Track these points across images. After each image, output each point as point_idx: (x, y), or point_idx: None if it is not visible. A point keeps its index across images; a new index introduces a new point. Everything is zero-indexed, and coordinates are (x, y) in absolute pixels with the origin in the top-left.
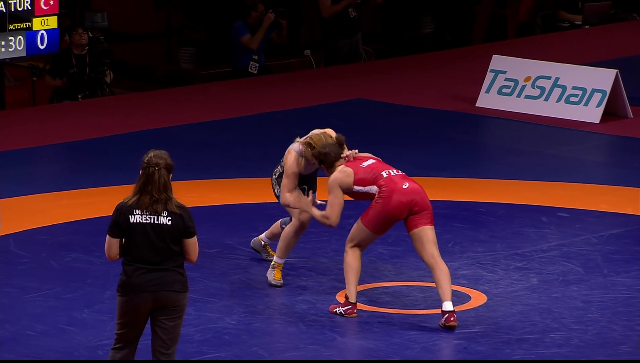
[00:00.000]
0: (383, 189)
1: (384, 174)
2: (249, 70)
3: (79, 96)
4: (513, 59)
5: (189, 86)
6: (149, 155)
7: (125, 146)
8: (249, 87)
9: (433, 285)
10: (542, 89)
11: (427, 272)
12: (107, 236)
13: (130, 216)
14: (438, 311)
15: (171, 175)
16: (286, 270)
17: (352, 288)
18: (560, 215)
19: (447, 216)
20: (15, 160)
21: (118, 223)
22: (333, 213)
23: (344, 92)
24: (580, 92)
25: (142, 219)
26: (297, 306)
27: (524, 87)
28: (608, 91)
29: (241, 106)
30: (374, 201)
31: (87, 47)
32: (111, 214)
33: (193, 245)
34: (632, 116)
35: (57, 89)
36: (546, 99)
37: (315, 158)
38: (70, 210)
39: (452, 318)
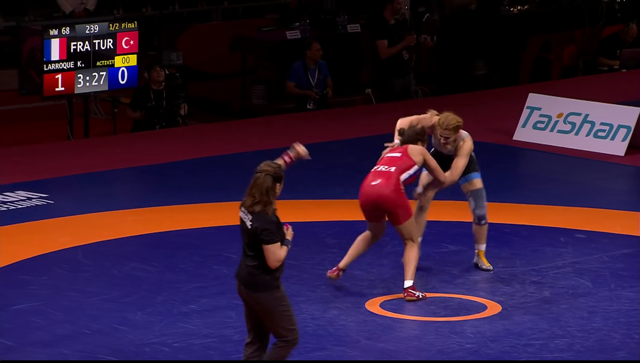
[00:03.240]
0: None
1: (374, 168)
2: (307, 106)
3: (157, 127)
4: (547, 97)
5: (255, 118)
6: (261, 163)
7: (190, 170)
8: (312, 119)
9: (452, 295)
10: (573, 124)
11: (447, 284)
12: None
13: (240, 212)
14: (456, 318)
15: (279, 184)
16: (319, 281)
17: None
18: (577, 236)
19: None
20: (95, 181)
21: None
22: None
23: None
24: (607, 128)
25: (242, 215)
26: (329, 312)
27: (556, 122)
28: (633, 126)
29: (302, 136)
30: None
31: (164, 83)
32: (168, 230)
33: (266, 251)
34: None
35: (137, 121)
36: (576, 134)
37: None
38: (134, 225)
39: (405, 294)
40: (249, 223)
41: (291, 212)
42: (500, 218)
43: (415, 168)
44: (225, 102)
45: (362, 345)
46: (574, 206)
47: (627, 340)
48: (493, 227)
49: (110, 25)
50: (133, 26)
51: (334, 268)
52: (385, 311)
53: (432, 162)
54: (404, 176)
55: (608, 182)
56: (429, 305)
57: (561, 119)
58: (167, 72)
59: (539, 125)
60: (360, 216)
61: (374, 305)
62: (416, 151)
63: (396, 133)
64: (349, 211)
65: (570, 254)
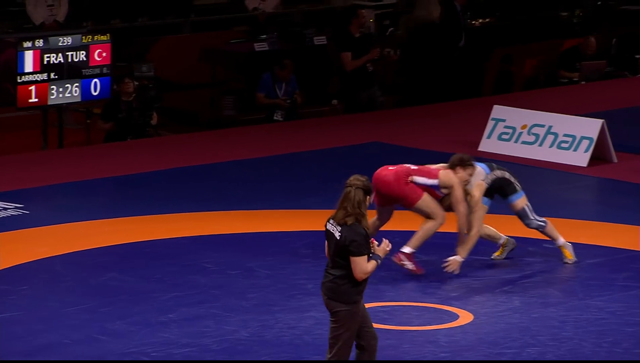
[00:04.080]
0: None
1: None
2: (275, 117)
3: (128, 138)
4: (512, 108)
5: (225, 129)
6: (350, 178)
7: (163, 180)
8: (280, 130)
9: (427, 304)
10: (537, 135)
11: (421, 293)
12: None
13: (327, 224)
14: (430, 327)
15: (368, 197)
16: (294, 290)
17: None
18: (545, 246)
19: (447, 246)
20: (70, 191)
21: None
22: None
23: (362, 136)
24: (570, 139)
25: (330, 227)
26: (304, 321)
27: (520, 133)
28: (595, 138)
29: (271, 147)
30: None
31: (134, 95)
32: (144, 240)
33: (353, 263)
34: (616, 161)
35: (108, 132)
36: (540, 145)
37: None
38: (110, 236)
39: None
40: (337, 234)
41: (264, 222)
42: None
43: (435, 182)
44: (194, 113)
45: None
46: (540, 216)
47: (597, 349)
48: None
49: (83, 37)
50: (106, 38)
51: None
52: None
53: (459, 194)
54: (420, 180)
55: (572, 193)
56: (403, 314)
57: (525, 131)
58: (136, 83)
59: (503, 136)
60: None
61: None
62: (448, 175)
63: None
64: (321, 221)
65: (539, 264)
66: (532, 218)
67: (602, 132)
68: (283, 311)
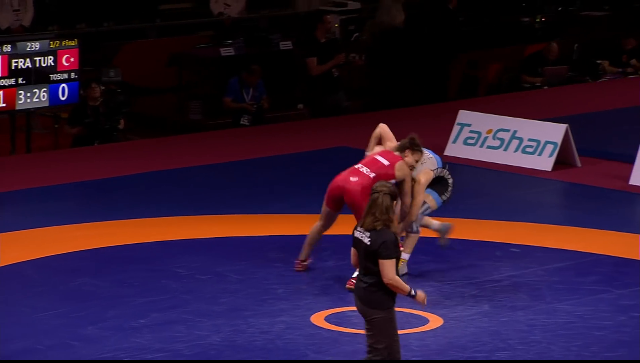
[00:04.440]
0: None
1: (357, 164)
2: (241, 122)
3: (95, 143)
4: (477, 113)
5: (193, 134)
6: (377, 183)
7: (133, 185)
8: (247, 135)
9: (397, 309)
10: (502, 140)
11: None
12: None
13: (354, 232)
14: (400, 332)
15: (395, 202)
16: (266, 295)
17: (305, 251)
18: (512, 250)
19: (415, 251)
20: (39, 196)
21: (352, 234)
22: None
23: (329, 141)
24: (535, 144)
25: (358, 235)
26: (276, 326)
27: (486, 138)
28: (559, 142)
29: (238, 151)
30: None
31: (101, 99)
32: (119, 244)
33: (381, 265)
34: (580, 165)
35: (76, 136)
36: (505, 149)
37: None
38: (81, 240)
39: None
40: (367, 240)
41: (234, 227)
42: (436, 233)
43: (393, 182)
44: (161, 117)
45: (311, 359)
46: (507, 220)
47: (566, 352)
48: (429, 241)
49: (51, 42)
50: (73, 43)
51: (297, 262)
52: (331, 325)
53: (408, 187)
54: None
55: (537, 197)
56: None
57: (490, 135)
58: (102, 88)
59: (469, 141)
60: (303, 231)
61: (319, 319)
62: (403, 168)
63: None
64: (291, 225)
65: (506, 268)
66: (418, 219)
67: (566, 137)
68: (255, 316)
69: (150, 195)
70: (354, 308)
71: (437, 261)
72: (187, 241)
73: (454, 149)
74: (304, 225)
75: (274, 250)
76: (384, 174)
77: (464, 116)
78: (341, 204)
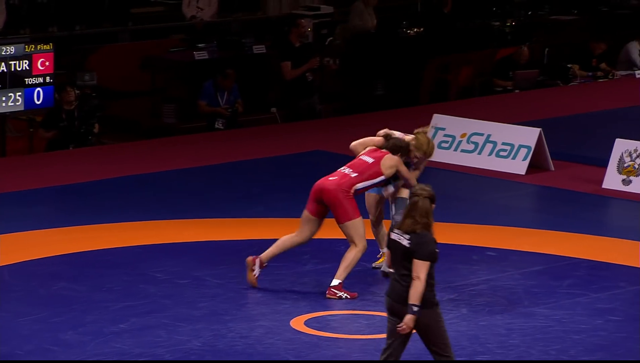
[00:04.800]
0: None
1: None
2: (215, 126)
3: (70, 147)
4: (451, 117)
5: (168, 138)
6: (416, 187)
7: (109, 189)
8: (222, 139)
9: (375, 313)
10: (476, 144)
11: (368, 301)
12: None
13: (390, 234)
14: (380, 336)
15: (434, 205)
16: (245, 299)
17: (268, 253)
18: (489, 254)
19: None
20: (14, 201)
21: (387, 236)
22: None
23: (304, 145)
24: (508, 148)
25: (395, 237)
26: (256, 331)
27: (460, 142)
28: (533, 146)
29: (214, 155)
30: None
31: (76, 103)
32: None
33: (415, 264)
34: (553, 169)
35: (50, 140)
36: (479, 153)
37: None
38: (59, 245)
39: (327, 291)
40: (405, 242)
41: (212, 231)
42: None
43: (381, 178)
44: (135, 121)
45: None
46: (482, 224)
47: (544, 356)
48: None
49: (26, 46)
50: (49, 48)
51: (254, 256)
52: (310, 329)
53: (405, 171)
54: (362, 185)
55: (512, 200)
56: (353, 323)
57: (464, 139)
58: (77, 92)
59: (443, 144)
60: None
61: (299, 323)
62: (390, 162)
63: (380, 136)
64: (269, 230)
65: (483, 272)
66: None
67: (539, 141)
68: (234, 321)
69: (127, 199)
70: (336, 312)
71: None
72: (164, 245)
73: None
74: (281, 229)
75: (253, 253)
76: (368, 172)
77: (438, 119)
78: (321, 207)
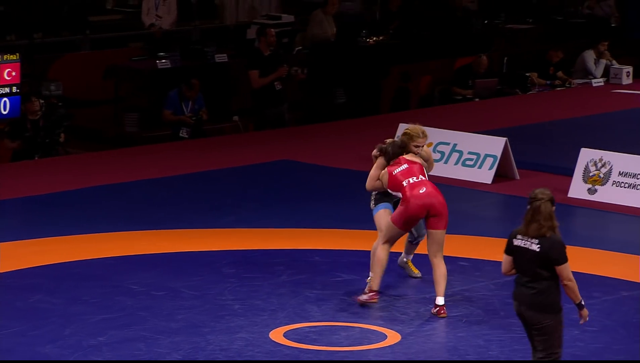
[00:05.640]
0: (405, 195)
1: (404, 183)
2: (180, 134)
3: (36, 157)
4: None
5: (134, 147)
6: (535, 191)
7: (78, 200)
8: (188, 148)
9: (354, 324)
10: (442, 153)
11: (346, 312)
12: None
13: (514, 240)
14: (359, 348)
15: (554, 207)
16: (223, 311)
17: (377, 279)
18: (462, 264)
19: (364, 264)
20: None
21: (507, 243)
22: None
23: (270, 154)
24: (475, 157)
25: (520, 243)
26: (235, 343)
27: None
28: (499, 156)
29: (182, 165)
30: (400, 203)
31: (40, 113)
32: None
33: (559, 270)
34: (519, 178)
35: (15, 151)
36: (445, 162)
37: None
38: (32, 257)
39: (442, 312)
40: (535, 247)
41: (185, 242)
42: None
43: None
44: (98, 130)
45: None
46: (452, 234)
47: None
48: None
49: None
50: (15, 58)
51: (371, 294)
52: (290, 341)
53: (425, 154)
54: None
55: (480, 210)
56: (332, 335)
57: (430, 149)
58: (42, 101)
59: None
60: (254, 246)
61: (278, 335)
62: (412, 156)
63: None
64: (241, 240)
65: (458, 282)
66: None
67: (505, 150)
68: (213, 333)
69: (95, 210)
70: (314, 323)
71: (387, 274)
72: (138, 256)
73: None
74: (254, 239)
75: (227, 265)
76: (419, 170)
77: (403, 129)
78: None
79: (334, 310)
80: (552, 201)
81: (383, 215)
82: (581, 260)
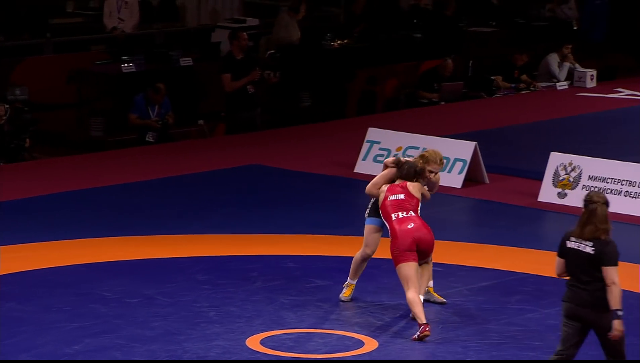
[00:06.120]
0: (393, 229)
1: (393, 216)
2: (146, 139)
3: (0, 163)
4: (387, 131)
5: (101, 152)
6: (590, 194)
7: (46, 206)
8: (155, 153)
9: (330, 331)
10: (412, 158)
11: (322, 319)
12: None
13: (567, 242)
14: (337, 355)
15: (608, 209)
16: (198, 318)
17: (420, 315)
18: (435, 269)
19: (338, 270)
20: None
21: (560, 245)
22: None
23: (240, 159)
24: (444, 161)
25: (574, 245)
26: (212, 351)
27: (396, 155)
28: (468, 160)
29: (150, 170)
30: (390, 245)
31: (5, 118)
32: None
33: (606, 271)
34: (488, 182)
35: None
36: None
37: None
38: (2, 264)
39: (426, 329)
40: (589, 249)
41: (157, 248)
42: (356, 252)
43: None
44: (62, 134)
45: None
46: None
47: None
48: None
49: None
50: None
51: (422, 328)
52: (267, 348)
53: (427, 192)
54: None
55: (450, 214)
56: (308, 342)
57: (400, 153)
58: (6, 106)
59: (378, 158)
60: (226, 252)
61: (255, 342)
62: (416, 188)
63: (388, 165)
64: (213, 246)
65: (432, 287)
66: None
67: (475, 154)
68: (189, 340)
69: (63, 217)
70: (290, 330)
71: (362, 280)
72: (110, 263)
73: (364, 167)
74: (226, 245)
75: (200, 271)
76: (415, 204)
77: (373, 133)
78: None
79: (310, 316)
80: (607, 203)
81: (371, 231)
82: (553, 265)
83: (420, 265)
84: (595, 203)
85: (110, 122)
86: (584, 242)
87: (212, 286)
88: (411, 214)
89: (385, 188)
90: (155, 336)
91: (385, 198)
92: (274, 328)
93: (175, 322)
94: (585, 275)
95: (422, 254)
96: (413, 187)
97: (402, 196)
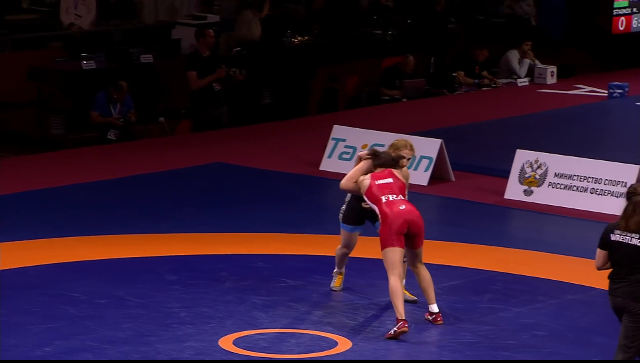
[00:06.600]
0: (383, 211)
1: (383, 199)
2: (108, 136)
3: None
4: (352, 128)
5: (61, 151)
6: (633, 186)
7: (8, 205)
8: (117, 151)
9: (303, 331)
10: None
11: (295, 319)
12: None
13: (611, 234)
14: (311, 355)
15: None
16: (169, 319)
17: (400, 309)
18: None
19: (308, 269)
20: None
21: (602, 238)
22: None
23: (202, 157)
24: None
25: (618, 238)
26: (185, 352)
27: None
28: (434, 157)
29: (113, 168)
30: (380, 228)
31: None
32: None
33: None
34: (454, 180)
35: None
36: None
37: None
38: None
39: (438, 319)
40: (636, 242)
41: (123, 248)
42: (324, 251)
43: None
44: (21, 132)
45: None
46: None
47: None
48: (322, 260)
49: None
50: None
51: (400, 324)
52: (240, 349)
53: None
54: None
55: None
56: (282, 342)
57: (365, 150)
58: None
59: (344, 156)
60: (194, 251)
61: (227, 343)
62: (401, 174)
63: (362, 158)
64: (181, 245)
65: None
66: None
67: (441, 152)
68: (161, 342)
69: (28, 216)
70: (263, 330)
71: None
72: (78, 263)
73: (329, 164)
74: (194, 245)
75: (169, 271)
76: (402, 188)
77: (338, 131)
78: (406, 238)
79: (281, 316)
80: None
81: (346, 234)
82: (521, 263)
83: (416, 267)
84: (639, 194)
85: (71, 120)
86: (629, 234)
87: (182, 286)
88: (400, 197)
89: (367, 176)
90: (127, 337)
91: (372, 184)
92: (246, 328)
93: (147, 323)
94: (628, 266)
95: (412, 240)
96: (398, 172)
97: (390, 180)
